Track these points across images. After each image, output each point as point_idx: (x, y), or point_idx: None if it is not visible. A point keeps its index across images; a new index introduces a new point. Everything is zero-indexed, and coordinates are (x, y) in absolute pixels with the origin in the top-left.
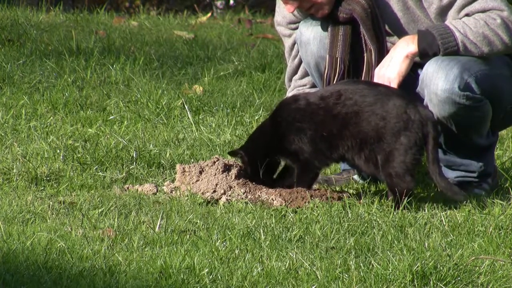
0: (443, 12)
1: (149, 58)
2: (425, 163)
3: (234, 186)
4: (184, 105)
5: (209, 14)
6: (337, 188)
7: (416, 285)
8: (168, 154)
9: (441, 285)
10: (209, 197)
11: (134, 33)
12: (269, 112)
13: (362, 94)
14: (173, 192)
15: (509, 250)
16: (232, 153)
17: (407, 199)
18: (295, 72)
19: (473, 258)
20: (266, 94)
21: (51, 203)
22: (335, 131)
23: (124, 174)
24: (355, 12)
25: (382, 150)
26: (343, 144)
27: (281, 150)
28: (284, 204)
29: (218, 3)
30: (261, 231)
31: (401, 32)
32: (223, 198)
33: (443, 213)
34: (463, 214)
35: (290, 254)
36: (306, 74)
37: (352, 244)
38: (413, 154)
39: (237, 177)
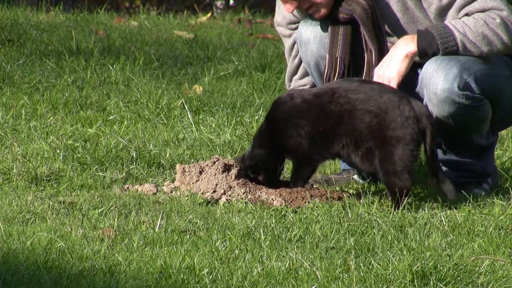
0: (442, 12)
1: (149, 58)
2: (425, 163)
3: (234, 186)
4: (184, 105)
5: (209, 14)
6: (337, 188)
7: (416, 285)
8: (168, 154)
9: (441, 285)
10: (209, 197)
11: (134, 33)
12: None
13: (355, 92)
14: (173, 192)
15: (509, 250)
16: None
17: (407, 199)
18: (295, 72)
19: (473, 258)
20: (266, 94)
21: (51, 203)
22: (329, 129)
23: (124, 174)
24: (355, 12)
25: (378, 147)
26: (337, 142)
27: (281, 148)
28: (284, 204)
29: (218, 3)
30: (261, 231)
31: (401, 32)
32: (223, 198)
33: (443, 213)
34: (463, 214)
35: (290, 254)
36: (306, 74)
37: (352, 244)
38: (410, 151)
39: (237, 177)
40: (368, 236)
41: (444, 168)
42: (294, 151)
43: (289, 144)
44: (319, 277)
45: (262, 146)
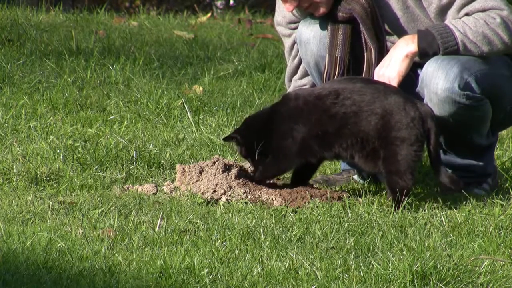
0: (442, 11)
1: (149, 58)
2: (425, 163)
3: (234, 186)
4: (184, 105)
5: (209, 14)
6: (337, 188)
7: (416, 285)
8: (168, 154)
9: (441, 285)
10: (209, 197)
11: (134, 33)
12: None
13: (360, 93)
14: (173, 192)
15: (509, 250)
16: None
17: (407, 199)
18: (295, 72)
19: (473, 258)
20: (266, 94)
21: (51, 203)
22: (332, 130)
23: (124, 174)
24: (355, 11)
25: (382, 147)
26: (340, 143)
27: (271, 142)
28: (284, 204)
29: (218, 3)
30: (261, 231)
31: (401, 32)
32: (223, 198)
33: (443, 213)
34: (463, 214)
35: (290, 254)
36: (306, 74)
37: (352, 244)
38: (414, 151)
39: (237, 177)
40: (368, 236)
41: None
42: (279, 149)
43: (279, 143)
44: (319, 277)
45: (250, 127)
